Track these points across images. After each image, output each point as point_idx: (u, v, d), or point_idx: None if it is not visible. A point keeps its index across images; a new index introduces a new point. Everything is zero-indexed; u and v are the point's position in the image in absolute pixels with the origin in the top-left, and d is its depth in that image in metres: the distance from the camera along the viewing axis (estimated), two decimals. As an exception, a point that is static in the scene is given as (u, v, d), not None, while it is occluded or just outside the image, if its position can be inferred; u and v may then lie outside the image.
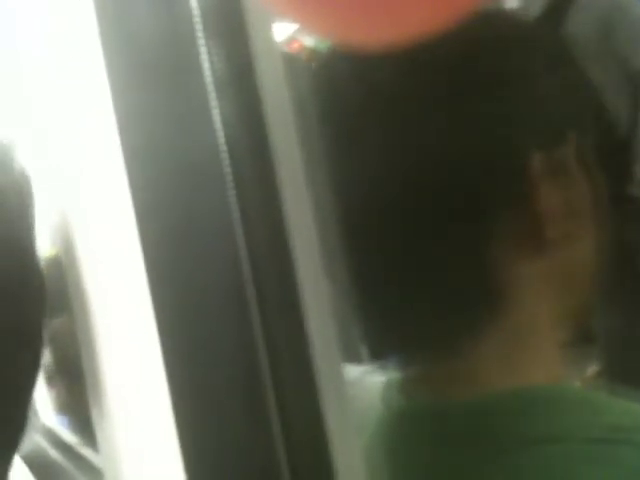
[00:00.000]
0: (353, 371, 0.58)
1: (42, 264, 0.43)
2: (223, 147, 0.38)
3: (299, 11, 0.31)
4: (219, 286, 0.38)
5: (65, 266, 0.46)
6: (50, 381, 1.02)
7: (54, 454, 1.01)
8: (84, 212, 0.44)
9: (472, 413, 0.49)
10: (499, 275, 0.48)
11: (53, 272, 0.54)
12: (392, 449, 0.52)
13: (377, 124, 0.48)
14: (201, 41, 0.37)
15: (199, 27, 0.37)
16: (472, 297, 0.48)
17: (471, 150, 0.47)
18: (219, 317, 0.38)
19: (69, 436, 1.01)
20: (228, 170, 0.38)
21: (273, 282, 0.39)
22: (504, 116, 0.47)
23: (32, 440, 1.06)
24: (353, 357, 0.56)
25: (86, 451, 0.89)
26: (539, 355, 0.50)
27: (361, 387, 0.58)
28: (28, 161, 0.43)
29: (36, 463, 0.97)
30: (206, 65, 0.37)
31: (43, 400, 1.06)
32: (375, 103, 0.48)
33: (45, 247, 0.46)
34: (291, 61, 0.42)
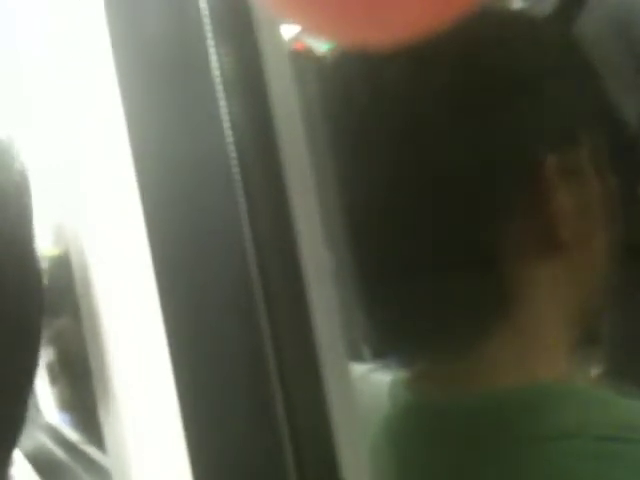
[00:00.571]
0: (357, 369, 0.58)
1: (42, 263, 0.43)
2: (231, 147, 0.38)
3: (301, 13, 0.31)
4: (226, 285, 0.38)
5: (73, 265, 0.47)
6: (53, 379, 1.02)
7: (57, 452, 1.01)
8: (92, 211, 0.45)
9: (481, 410, 0.49)
10: (510, 276, 0.48)
11: (57, 271, 0.54)
12: (398, 447, 0.52)
13: (386, 124, 0.48)
14: (210, 42, 0.37)
15: (208, 28, 0.37)
16: (483, 297, 0.49)
17: (483, 151, 0.47)
18: (226, 316, 0.38)
19: (72, 434, 1.02)
20: (236, 170, 0.38)
21: (280, 281, 0.39)
22: (516, 117, 0.47)
23: (35, 438, 1.06)
24: (356, 356, 0.56)
25: (89, 448, 0.89)
26: (548, 355, 0.50)
27: (366, 385, 0.58)
28: (34, 159, 0.43)
29: (39, 460, 0.98)
30: (215, 66, 0.37)
31: (46, 398, 1.07)
32: (384, 103, 0.48)
33: (48, 246, 0.47)
34: (299, 61, 0.42)
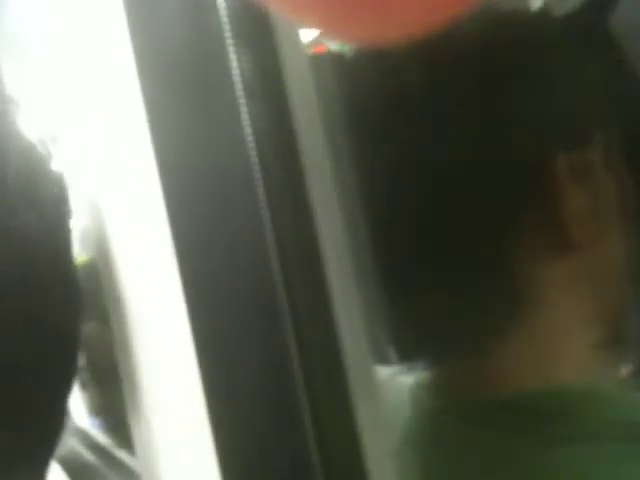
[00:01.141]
0: (382, 372, 0.58)
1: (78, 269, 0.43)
2: (253, 150, 0.38)
3: (309, 12, 0.31)
4: (251, 289, 0.38)
5: (101, 271, 0.47)
6: (83, 384, 1.03)
7: (88, 456, 1.02)
8: (118, 217, 0.45)
9: (502, 412, 0.48)
10: (525, 276, 0.48)
11: (85, 277, 0.55)
12: (420, 449, 0.52)
13: (404, 125, 0.48)
14: (230, 47, 0.37)
15: (228, 33, 0.37)
16: (499, 298, 0.48)
17: (497, 150, 0.47)
18: (251, 320, 0.38)
19: (102, 438, 1.02)
20: (258, 173, 0.38)
21: (304, 284, 0.39)
22: (530, 116, 0.47)
23: (66, 442, 1.07)
24: (382, 358, 0.56)
25: (119, 453, 0.90)
26: (568, 356, 0.50)
27: (391, 387, 0.58)
28: (63, 167, 0.44)
29: (70, 465, 0.99)
30: (235, 70, 0.38)
31: (76, 403, 1.08)
32: (402, 103, 0.48)
33: (78, 253, 0.47)
34: (319, 64, 0.42)
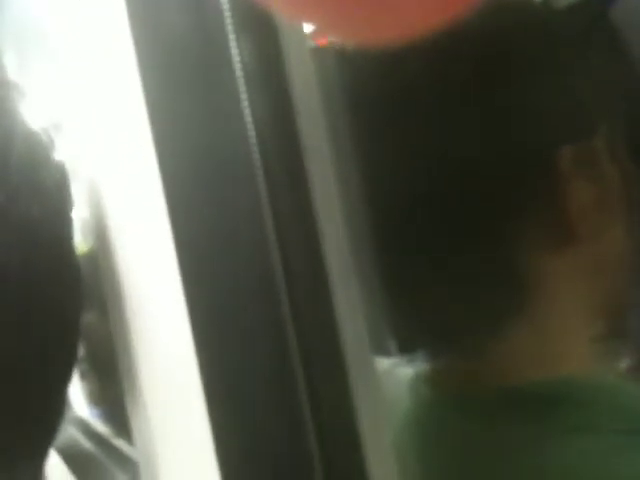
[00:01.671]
0: (382, 363, 0.58)
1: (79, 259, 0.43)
2: (253, 140, 0.38)
3: (307, 11, 0.31)
4: (251, 281, 0.38)
5: (100, 261, 0.47)
6: (82, 374, 1.03)
7: (87, 445, 1.03)
8: (118, 207, 0.45)
9: (504, 404, 0.49)
10: (528, 268, 0.48)
11: (85, 268, 0.55)
12: (420, 441, 0.52)
13: (406, 116, 0.48)
14: (231, 35, 0.37)
15: (229, 21, 0.37)
16: (501, 291, 0.48)
17: (500, 142, 0.46)
18: (251, 311, 0.38)
19: (101, 427, 1.03)
20: (258, 163, 0.38)
21: (303, 275, 0.39)
22: (533, 108, 0.47)
23: (65, 431, 1.07)
24: (381, 350, 0.56)
25: (118, 442, 0.90)
26: (569, 349, 0.50)
27: (391, 379, 0.58)
28: (65, 155, 0.43)
29: (69, 454, 0.99)
30: (236, 59, 0.37)
31: (76, 392, 1.08)
32: (404, 95, 0.48)
33: (78, 243, 0.47)
34: (320, 55, 0.42)
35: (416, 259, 0.49)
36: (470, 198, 0.47)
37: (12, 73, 0.43)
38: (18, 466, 0.43)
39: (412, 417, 0.54)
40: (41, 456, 0.44)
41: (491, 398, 0.49)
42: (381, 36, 0.31)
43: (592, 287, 0.50)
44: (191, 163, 0.38)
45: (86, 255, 0.48)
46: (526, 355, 0.49)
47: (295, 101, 0.39)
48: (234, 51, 0.37)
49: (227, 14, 0.37)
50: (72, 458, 0.97)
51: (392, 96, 0.48)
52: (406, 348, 0.59)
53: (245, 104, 0.38)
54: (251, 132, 0.38)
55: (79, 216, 0.47)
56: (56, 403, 0.43)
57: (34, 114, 0.42)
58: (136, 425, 0.48)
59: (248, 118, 0.38)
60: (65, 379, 0.44)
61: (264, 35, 0.38)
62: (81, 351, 0.46)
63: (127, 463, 0.82)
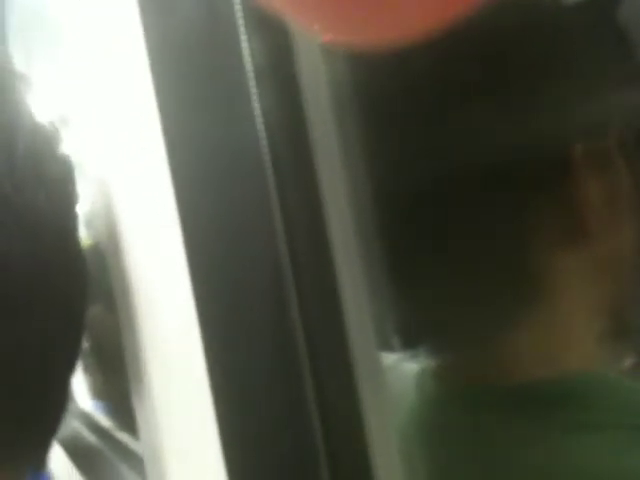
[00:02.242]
0: (386, 359, 0.58)
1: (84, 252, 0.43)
2: (263, 135, 0.38)
3: (306, 13, 0.31)
4: (259, 275, 0.38)
5: (108, 254, 0.47)
6: (86, 367, 1.03)
7: (90, 438, 1.03)
8: (127, 201, 0.45)
9: (512, 400, 0.49)
10: (539, 264, 0.48)
11: (90, 261, 0.55)
12: (426, 436, 0.52)
13: (417, 113, 0.48)
14: (242, 30, 0.37)
15: (240, 16, 0.37)
16: (511, 287, 0.48)
17: (512, 139, 0.46)
18: (258, 306, 0.38)
19: (105, 421, 1.03)
20: (267, 157, 0.38)
21: (311, 271, 0.39)
22: (547, 105, 0.47)
23: (69, 424, 1.07)
24: (385, 346, 0.56)
25: (122, 435, 0.91)
26: (577, 345, 0.50)
27: (395, 374, 0.58)
28: (72, 148, 0.43)
29: (72, 446, 0.99)
30: (246, 54, 0.37)
31: (79, 385, 1.08)
32: (415, 91, 0.48)
33: (83, 236, 0.47)
34: (330, 49, 0.42)
35: (427, 254, 0.49)
36: (481, 194, 0.47)
37: (19, 64, 0.43)
38: (20, 457, 0.43)
39: (418, 412, 0.54)
40: (44, 448, 0.44)
41: (498, 394, 0.49)
42: (382, 36, 0.31)
43: (601, 285, 0.50)
44: (201, 159, 0.38)
45: (90, 248, 0.48)
46: (534, 351, 0.49)
47: (305, 98, 0.39)
48: (245, 48, 0.37)
49: (238, 11, 0.37)
50: (75, 451, 0.98)
51: (401, 91, 0.48)
52: (410, 343, 0.59)
53: (255, 101, 0.38)
54: (261, 129, 0.38)
55: (84, 209, 0.47)
56: (59, 394, 0.44)
57: (40, 106, 0.42)
58: (141, 419, 0.48)
59: (258, 116, 0.38)
60: (68, 370, 0.44)
61: (275, 33, 0.38)
62: (85, 344, 0.46)
63: (131, 456, 0.83)
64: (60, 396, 0.43)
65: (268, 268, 0.38)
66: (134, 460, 0.80)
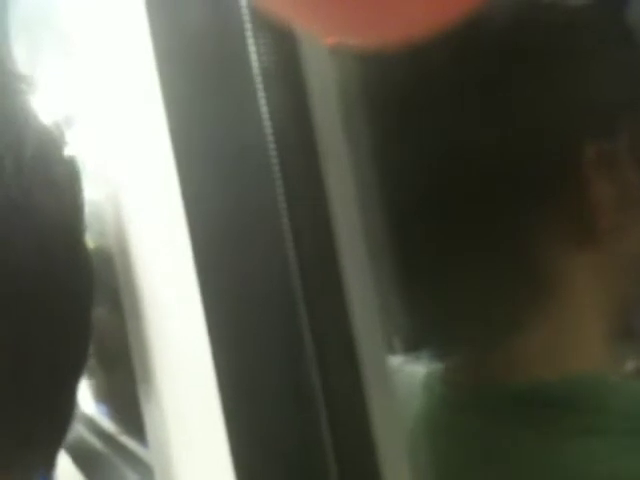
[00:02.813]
0: (392, 361, 0.58)
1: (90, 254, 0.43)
2: (270, 137, 0.38)
3: (303, 15, 0.31)
4: (266, 279, 0.38)
5: (116, 256, 0.47)
6: (90, 370, 1.03)
7: (94, 441, 1.03)
8: (134, 203, 0.45)
9: (520, 401, 0.48)
10: (547, 265, 0.47)
11: (95, 262, 0.55)
12: (434, 438, 0.52)
13: (426, 110, 0.47)
14: (249, 32, 0.37)
15: (247, 18, 0.37)
16: (520, 287, 0.48)
17: (523, 138, 0.46)
18: (266, 308, 0.38)
19: (108, 424, 1.03)
20: (275, 160, 0.38)
21: (318, 272, 0.39)
22: (558, 104, 0.47)
23: (73, 429, 1.07)
24: (388, 348, 0.56)
25: (125, 439, 0.90)
26: (582, 347, 0.50)
27: (401, 376, 0.58)
28: (78, 149, 0.43)
29: (76, 450, 0.99)
30: (253, 56, 0.37)
31: (82, 389, 1.08)
32: (424, 91, 0.48)
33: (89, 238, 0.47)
34: (337, 51, 0.42)
35: (436, 256, 0.49)
36: (491, 193, 0.47)
37: (22, 65, 0.43)
38: (29, 460, 0.43)
39: (426, 414, 0.54)
40: (52, 451, 0.44)
41: (505, 396, 0.49)
42: (384, 37, 0.31)
43: (610, 287, 0.50)
44: (208, 161, 0.38)
45: (95, 250, 0.48)
46: (542, 353, 0.49)
47: (311, 98, 0.39)
48: (251, 48, 0.37)
49: (245, 13, 0.37)
50: (78, 455, 0.98)
51: (412, 89, 0.48)
52: (414, 346, 0.58)
53: (262, 100, 0.37)
54: (267, 127, 0.38)
55: (90, 211, 0.47)
56: (67, 397, 0.43)
57: (45, 107, 0.42)
58: (150, 425, 0.48)
59: (266, 119, 0.38)
60: (76, 372, 0.44)
61: (281, 32, 0.38)
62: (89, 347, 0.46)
63: (134, 460, 0.83)
64: (68, 399, 0.43)
65: (275, 270, 0.38)
66: (138, 464, 0.79)
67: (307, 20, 0.32)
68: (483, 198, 0.47)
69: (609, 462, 0.45)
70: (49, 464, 0.44)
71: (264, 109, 0.38)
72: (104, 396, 1.06)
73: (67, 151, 0.41)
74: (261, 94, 0.38)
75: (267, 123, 0.38)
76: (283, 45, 0.38)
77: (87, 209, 0.44)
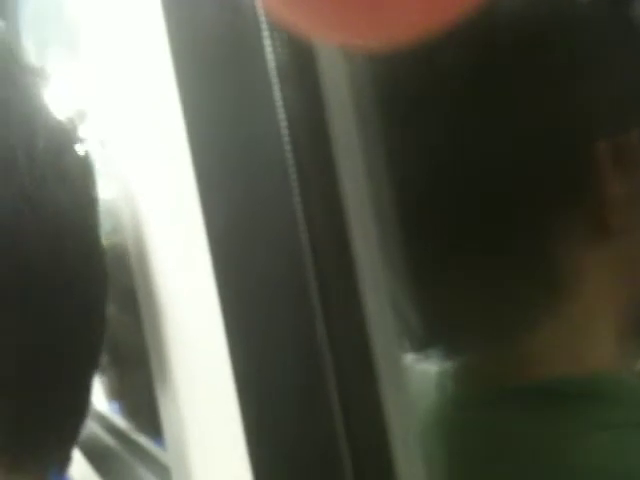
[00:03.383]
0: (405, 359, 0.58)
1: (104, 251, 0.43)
2: (285, 133, 0.38)
3: (301, 15, 0.31)
4: (282, 276, 0.38)
5: (131, 252, 0.47)
6: (102, 368, 1.03)
7: (106, 439, 1.03)
8: (149, 199, 0.45)
9: (535, 399, 0.48)
10: (563, 263, 0.47)
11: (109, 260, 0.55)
12: (450, 435, 0.52)
13: (440, 109, 0.47)
14: (264, 30, 0.37)
15: (262, 19, 0.37)
16: (535, 285, 0.48)
17: (537, 135, 0.46)
18: (282, 307, 0.38)
19: (121, 422, 1.03)
20: (290, 155, 0.38)
21: (334, 271, 0.39)
22: (573, 100, 0.47)
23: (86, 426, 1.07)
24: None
25: (138, 436, 0.91)
26: (598, 344, 0.50)
27: (413, 374, 0.58)
28: (91, 144, 0.43)
29: (89, 448, 0.99)
30: (269, 53, 0.37)
31: (95, 386, 1.08)
32: (439, 88, 0.47)
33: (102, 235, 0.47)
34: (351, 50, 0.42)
35: (449, 254, 0.49)
36: (504, 190, 0.47)
37: (35, 58, 0.43)
38: (44, 459, 0.43)
39: (438, 413, 0.54)
40: (67, 449, 0.44)
41: (521, 393, 0.49)
42: (389, 36, 0.31)
43: (625, 282, 0.50)
44: (224, 159, 0.38)
45: (109, 247, 0.48)
46: (557, 350, 0.49)
47: (326, 93, 0.39)
48: (267, 45, 0.37)
49: (261, 13, 0.37)
50: (91, 452, 0.98)
51: (425, 88, 0.48)
52: (423, 345, 0.58)
53: (278, 98, 0.37)
54: (283, 123, 0.38)
55: (104, 206, 0.47)
56: (82, 394, 0.43)
57: (57, 100, 0.42)
58: (168, 429, 0.48)
59: (280, 112, 0.38)
60: (91, 368, 0.44)
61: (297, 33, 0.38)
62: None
63: (147, 458, 0.83)
64: (83, 396, 0.43)
65: (291, 269, 0.38)
66: (151, 462, 0.80)
67: (313, 24, 0.32)
68: (498, 196, 0.47)
69: (626, 456, 0.45)
70: (63, 461, 0.45)
71: (279, 106, 0.38)
72: (116, 393, 1.07)
73: (80, 146, 0.41)
74: (277, 91, 0.38)
75: (282, 120, 0.38)
76: (299, 42, 0.38)
77: (101, 206, 0.44)
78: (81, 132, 0.42)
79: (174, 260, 0.43)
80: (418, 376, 0.57)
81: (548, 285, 0.48)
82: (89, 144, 0.42)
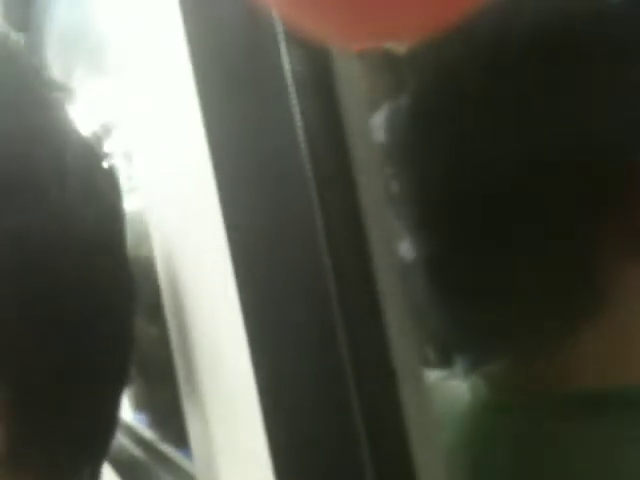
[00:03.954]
0: (429, 375, 0.57)
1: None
2: (303, 145, 0.38)
3: (304, 16, 0.31)
4: (304, 287, 0.38)
5: (159, 267, 0.47)
6: (129, 380, 1.04)
7: (134, 450, 1.03)
8: (173, 212, 0.45)
9: (573, 408, 0.48)
10: (604, 274, 0.47)
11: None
12: (479, 446, 0.52)
13: (465, 116, 0.47)
14: (282, 43, 0.37)
15: (280, 29, 0.38)
16: (576, 294, 0.48)
17: (575, 146, 0.46)
18: (304, 322, 0.38)
19: (147, 432, 1.03)
20: (308, 167, 0.38)
21: (354, 284, 0.39)
22: (613, 113, 0.46)
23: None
24: (423, 361, 0.55)
25: (165, 447, 0.91)
26: (634, 355, 0.49)
27: (440, 390, 0.57)
28: (120, 165, 0.44)
29: (116, 458, 1.00)
30: (287, 66, 0.38)
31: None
32: (461, 97, 0.47)
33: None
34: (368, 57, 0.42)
35: (490, 260, 0.49)
36: (547, 205, 0.46)
37: (59, 74, 0.44)
38: (73, 474, 0.43)
39: (471, 421, 0.53)
40: (96, 463, 0.44)
41: (558, 402, 0.48)
42: (384, 39, 0.31)
43: None
44: (244, 166, 0.38)
45: (134, 259, 0.49)
46: (595, 360, 0.48)
47: (343, 105, 0.39)
48: (284, 57, 0.38)
49: (278, 22, 0.37)
50: (119, 464, 0.98)
51: (446, 97, 0.47)
52: (449, 355, 0.58)
53: (295, 108, 0.38)
54: (301, 135, 0.38)
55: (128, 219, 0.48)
56: (110, 409, 0.44)
57: (83, 117, 0.42)
58: (195, 440, 0.48)
59: (298, 122, 0.38)
60: (119, 384, 0.44)
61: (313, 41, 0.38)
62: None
63: (174, 468, 0.83)
64: (112, 411, 0.43)
65: (313, 282, 0.38)
66: (178, 472, 0.80)
67: (327, 28, 0.32)
68: (540, 209, 0.47)
69: None
70: (93, 475, 0.45)
71: (297, 116, 0.38)
72: (143, 404, 1.07)
73: (107, 162, 0.41)
74: (294, 102, 0.38)
75: (300, 130, 0.38)
76: (316, 54, 0.38)
77: (126, 219, 0.44)
78: (106, 147, 0.42)
79: (200, 273, 0.43)
80: (444, 392, 0.57)
81: (589, 296, 0.47)
82: (114, 158, 0.43)
